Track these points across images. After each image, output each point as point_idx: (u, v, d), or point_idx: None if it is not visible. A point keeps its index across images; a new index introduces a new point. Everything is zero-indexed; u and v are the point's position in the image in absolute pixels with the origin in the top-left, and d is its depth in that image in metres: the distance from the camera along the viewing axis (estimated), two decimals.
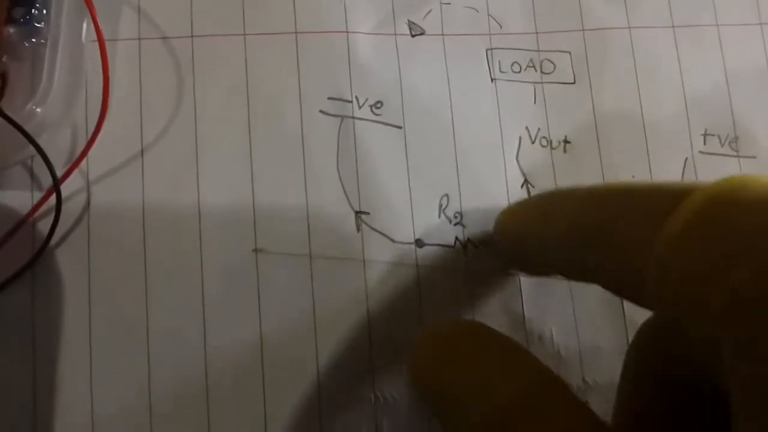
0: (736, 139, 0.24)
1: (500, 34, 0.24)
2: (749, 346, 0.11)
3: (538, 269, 0.20)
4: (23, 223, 0.21)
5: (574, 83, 0.24)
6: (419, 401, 0.16)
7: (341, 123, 0.23)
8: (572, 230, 0.15)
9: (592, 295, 0.22)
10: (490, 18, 0.24)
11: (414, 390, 0.17)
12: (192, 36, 0.23)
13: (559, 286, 0.22)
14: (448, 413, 0.15)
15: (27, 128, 0.19)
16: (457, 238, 0.22)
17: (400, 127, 0.23)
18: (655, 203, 0.13)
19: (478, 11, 0.24)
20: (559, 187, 0.18)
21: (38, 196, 0.21)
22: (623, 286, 0.15)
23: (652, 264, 0.13)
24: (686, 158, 0.24)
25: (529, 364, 0.15)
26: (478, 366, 0.15)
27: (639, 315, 0.22)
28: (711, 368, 0.12)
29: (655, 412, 0.16)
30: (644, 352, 0.17)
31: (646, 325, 0.17)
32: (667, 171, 0.23)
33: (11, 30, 0.21)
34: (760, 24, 0.25)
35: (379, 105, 0.23)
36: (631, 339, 0.21)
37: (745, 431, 0.11)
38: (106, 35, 0.21)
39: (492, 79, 0.24)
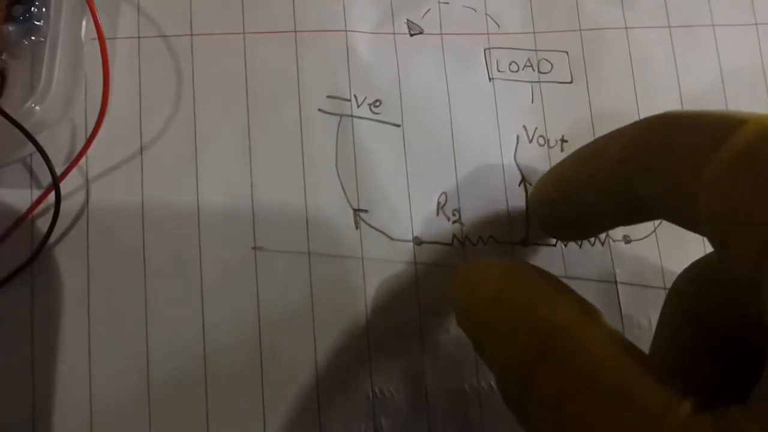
0: None
1: (498, 33, 0.24)
2: None
3: (580, 229, 0.19)
4: (22, 220, 0.21)
5: (571, 83, 0.24)
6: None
7: (340, 121, 0.23)
8: (625, 159, 0.15)
9: (589, 292, 0.22)
10: (488, 17, 0.24)
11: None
12: (191, 34, 0.23)
13: None
14: (488, 351, 0.16)
15: (26, 126, 0.19)
16: (455, 235, 0.22)
17: (398, 126, 0.23)
18: (708, 131, 0.13)
19: (476, 11, 0.24)
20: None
21: (37, 193, 0.21)
22: (676, 214, 0.14)
23: (702, 193, 0.13)
24: None
25: (555, 307, 0.15)
26: (500, 312, 0.15)
27: (636, 311, 0.22)
28: (750, 309, 0.12)
29: (689, 351, 0.16)
30: (687, 293, 0.17)
31: (692, 267, 0.17)
32: None
33: (11, 28, 0.21)
34: (756, 24, 0.25)
35: (377, 103, 0.23)
36: (626, 335, 0.22)
37: None
38: (105, 33, 0.21)
39: (490, 79, 0.24)
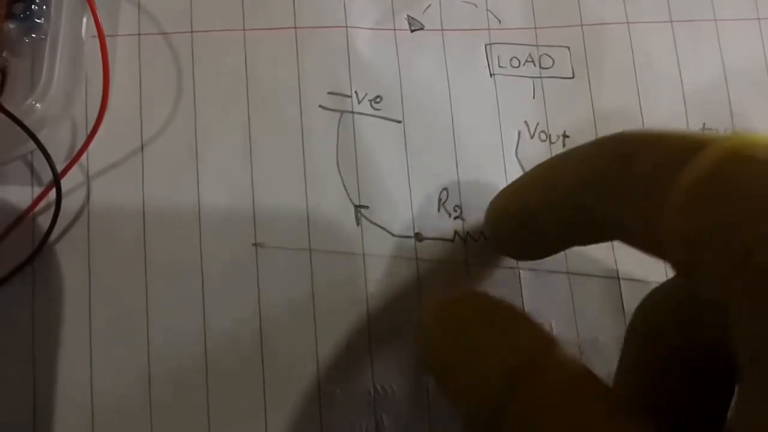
0: (735, 133, 0.24)
1: (499, 29, 0.24)
2: (757, 309, 0.11)
3: (536, 249, 0.19)
4: (23, 218, 0.21)
5: (572, 78, 0.24)
6: (426, 371, 0.16)
7: (341, 117, 0.23)
8: (584, 181, 0.15)
9: (592, 288, 0.22)
10: (489, 13, 0.24)
11: (422, 361, 0.17)
12: (192, 31, 0.23)
13: (559, 280, 0.22)
14: (449, 386, 0.15)
15: (27, 123, 0.19)
16: (456, 231, 0.22)
17: (399, 122, 0.23)
18: (671, 153, 0.13)
19: (477, 6, 0.24)
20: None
21: (38, 191, 0.21)
22: (637, 238, 0.14)
23: (665, 216, 0.12)
24: None
25: (528, 334, 0.15)
26: (474, 340, 0.15)
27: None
28: (718, 332, 0.12)
29: (656, 377, 0.16)
30: (651, 317, 0.17)
31: (656, 291, 0.17)
32: None
33: (11, 25, 0.21)
34: (758, 19, 0.25)
35: (378, 99, 0.23)
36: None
37: (752, 393, 0.11)
38: (105, 31, 0.21)
39: (491, 74, 0.24)
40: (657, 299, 0.17)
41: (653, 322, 0.17)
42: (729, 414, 0.12)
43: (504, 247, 0.20)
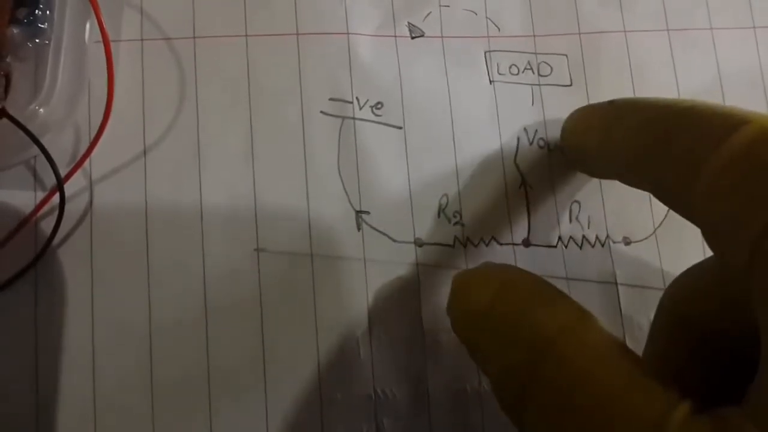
0: None
1: (498, 36, 0.24)
2: None
3: (599, 172, 0.21)
4: (26, 222, 0.21)
5: (570, 85, 0.24)
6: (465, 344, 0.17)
7: (342, 123, 0.23)
8: (633, 143, 0.16)
9: (590, 293, 0.22)
10: (489, 21, 0.25)
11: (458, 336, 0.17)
12: (194, 37, 0.23)
13: (558, 285, 0.22)
14: (478, 358, 0.16)
15: (31, 128, 0.20)
16: (456, 237, 0.22)
17: (400, 128, 0.23)
18: (713, 126, 0.14)
19: (476, 14, 0.24)
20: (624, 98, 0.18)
21: (41, 195, 0.21)
22: (675, 200, 0.15)
23: (700, 186, 0.13)
24: None
25: (551, 309, 0.15)
26: (498, 315, 0.15)
27: (637, 313, 0.22)
28: (745, 312, 0.13)
29: (683, 356, 0.17)
30: (678, 299, 0.17)
31: (683, 275, 0.17)
32: None
33: (15, 31, 0.21)
34: (754, 27, 0.25)
35: (379, 106, 0.23)
36: (627, 337, 0.22)
37: None
38: (109, 36, 0.21)
39: (490, 81, 0.24)
40: (686, 281, 0.17)
41: (682, 303, 0.17)
42: (748, 390, 0.12)
43: (572, 163, 0.23)
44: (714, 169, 0.13)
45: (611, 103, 0.19)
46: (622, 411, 0.13)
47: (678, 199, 0.15)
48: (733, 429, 0.12)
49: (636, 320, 0.22)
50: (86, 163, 0.22)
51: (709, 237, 0.13)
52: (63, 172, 0.21)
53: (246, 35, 0.23)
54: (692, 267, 0.17)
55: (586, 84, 0.24)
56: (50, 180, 0.21)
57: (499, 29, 0.24)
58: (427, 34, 0.24)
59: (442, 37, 0.24)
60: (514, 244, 0.23)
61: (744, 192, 0.12)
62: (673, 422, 0.12)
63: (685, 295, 0.17)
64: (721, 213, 0.13)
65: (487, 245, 0.22)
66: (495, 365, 0.15)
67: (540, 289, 0.16)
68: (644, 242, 0.23)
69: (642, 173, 0.16)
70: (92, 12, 0.21)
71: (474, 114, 0.24)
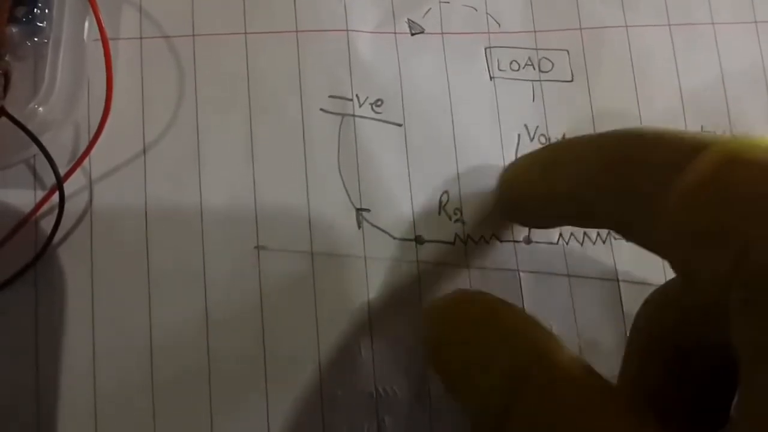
0: (734, 135, 0.24)
1: (499, 32, 0.24)
2: (754, 310, 0.11)
3: (542, 222, 0.20)
4: (26, 221, 0.21)
5: (572, 81, 0.24)
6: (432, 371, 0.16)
7: (342, 121, 0.23)
8: (582, 179, 0.15)
9: (592, 290, 0.22)
10: (489, 16, 0.24)
11: (427, 361, 0.17)
12: (193, 35, 0.23)
13: (559, 282, 0.22)
14: (454, 388, 0.16)
15: (30, 127, 0.19)
16: (457, 234, 0.22)
17: (400, 125, 0.23)
18: (669, 154, 0.13)
19: (476, 10, 0.24)
20: (561, 139, 0.17)
21: (41, 194, 0.21)
22: (634, 234, 0.15)
23: (664, 218, 0.13)
24: None
25: (529, 334, 0.15)
26: (474, 342, 0.15)
27: (637, 308, 0.22)
28: (720, 332, 0.12)
29: (659, 376, 0.16)
30: (654, 317, 0.17)
31: (658, 291, 0.17)
32: None
33: (14, 29, 0.21)
34: (755, 22, 0.25)
35: (379, 103, 0.23)
36: (628, 333, 0.22)
37: (752, 392, 0.11)
38: (107, 34, 0.21)
39: (491, 77, 0.24)
40: (659, 299, 0.17)
41: (656, 322, 0.17)
42: (731, 413, 0.12)
43: (511, 219, 0.21)
44: (678, 197, 0.12)
45: (553, 145, 0.18)
46: None
47: (639, 232, 0.14)
48: None
49: None
50: (86, 161, 0.22)
51: (677, 262, 0.13)
52: (62, 171, 0.21)
53: (245, 33, 0.23)
54: (664, 284, 0.17)
55: (587, 79, 0.24)
56: (50, 179, 0.21)
57: (499, 25, 0.24)
58: (427, 30, 0.24)
59: (442, 33, 0.24)
60: (515, 241, 0.23)
61: (713, 217, 0.12)
62: None
63: (657, 313, 0.17)
64: (689, 241, 0.12)
65: (487, 242, 0.22)
66: (476, 393, 0.15)
67: (513, 314, 0.16)
68: None
69: (593, 204, 0.15)
70: (91, 10, 0.21)
71: (474, 110, 0.23)
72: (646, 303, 0.17)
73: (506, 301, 0.16)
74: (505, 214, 0.21)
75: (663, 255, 0.14)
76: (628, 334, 0.22)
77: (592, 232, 0.23)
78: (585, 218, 0.16)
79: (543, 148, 0.18)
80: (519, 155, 0.23)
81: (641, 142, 0.14)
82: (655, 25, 0.25)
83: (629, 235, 0.15)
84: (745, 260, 0.11)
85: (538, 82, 0.24)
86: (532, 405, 0.14)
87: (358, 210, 0.22)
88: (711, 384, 0.16)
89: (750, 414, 0.11)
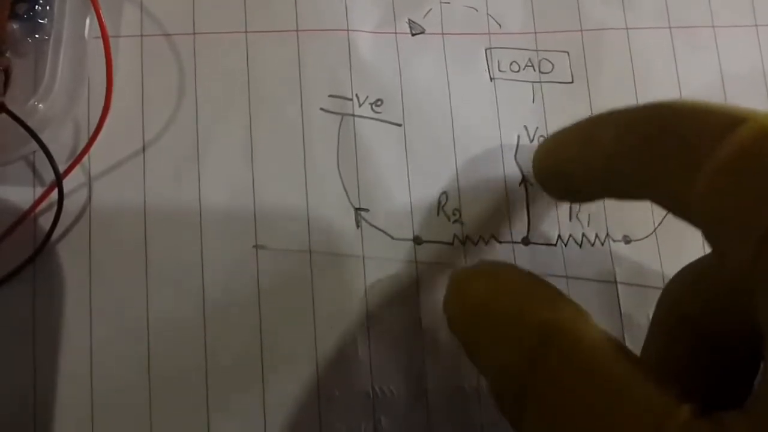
0: None
1: (499, 33, 0.24)
2: None
3: (580, 196, 0.20)
4: (25, 218, 0.21)
5: (572, 83, 0.24)
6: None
7: (341, 120, 0.23)
8: (619, 152, 0.15)
9: (590, 292, 0.22)
10: (490, 17, 0.24)
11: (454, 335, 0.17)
12: (194, 33, 0.23)
13: (557, 284, 0.22)
14: (476, 356, 0.16)
15: (30, 124, 0.20)
16: (455, 235, 0.22)
17: (399, 125, 0.23)
18: (707, 127, 0.13)
19: (477, 10, 0.24)
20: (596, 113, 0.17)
21: (40, 191, 0.21)
22: (670, 206, 0.14)
23: (697, 191, 0.13)
24: None
25: (555, 302, 0.15)
26: (498, 312, 0.15)
27: (636, 312, 0.22)
28: (744, 313, 0.12)
29: (683, 355, 0.16)
30: (678, 297, 0.17)
31: (682, 272, 0.17)
32: None
33: (14, 26, 0.21)
34: (756, 26, 0.25)
35: (379, 103, 0.23)
36: (627, 336, 0.22)
37: None
38: (108, 32, 0.21)
39: (491, 78, 0.24)
40: (686, 278, 0.17)
41: (682, 301, 0.17)
42: (755, 387, 0.12)
43: (549, 193, 0.20)
44: (711, 172, 0.12)
45: (590, 116, 0.18)
46: (623, 411, 0.12)
47: (675, 201, 0.14)
48: None
49: (635, 319, 0.22)
50: (85, 158, 0.22)
51: (710, 238, 0.13)
52: (62, 168, 0.21)
53: (246, 32, 0.23)
54: (692, 263, 0.17)
55: (587, 81, 0.24)
56: (49, 175, 0.21)
57: (500, 26, 0.24)
58: (427, 31, 0.24)
59: (442, 34, 0.24)
60: (513, 242, 0.23)
61: (745, 192, 0.12)
62: (673, 425, 0.12)
63: (684, 292, 0.17)
64: (722, 214, 0.12)
65: (486, 243, 0.22)
66: (493, 364, 0.15)
67: (538, 287, 0.16)
68: (644, 241, 0.23)
69: (631, 178, 0.15)
70: (92, 8, 0.21)
71: (474, 111, 0.23)
72: (673, 281, 0.17)
73: (530, 272, 0.16)
74: (543, 188, 0.20)
75: (694, 223, 0.14)
76: (624, 333, 0.22)
77: (591, 234, 0.23)
78: (623, 193, 0.16)
79: (579, 122, 0.18)
80: (518, 156, 0.23)
81: (680, 114, 0.14)
82: (655, 28, 0.25)
83: (668, 209, 0.15)
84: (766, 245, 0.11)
85: (539, 84, 0.24)
86: (548, 383, 0.13)
87: (357, 210, 0.22)
88: (734, 366, 0.15)
89: None
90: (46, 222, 0.21)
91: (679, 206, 0.14)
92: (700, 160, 0.13)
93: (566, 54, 0.24)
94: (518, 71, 0.24)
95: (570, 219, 0.23)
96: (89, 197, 0.22)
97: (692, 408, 0.12)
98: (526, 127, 0.24)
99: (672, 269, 0.18)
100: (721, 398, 0.16)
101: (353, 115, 0.23)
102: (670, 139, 0.14)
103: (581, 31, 0.25)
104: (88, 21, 0.21)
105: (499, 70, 0.24)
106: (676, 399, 0.12)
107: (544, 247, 0.23)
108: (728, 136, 0.12)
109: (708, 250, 0.15)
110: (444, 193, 0.23)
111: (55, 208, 0.21)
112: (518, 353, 0.14)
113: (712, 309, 0.16)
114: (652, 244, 0.23)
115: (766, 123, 0.12)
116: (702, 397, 0.12)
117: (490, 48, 0.24)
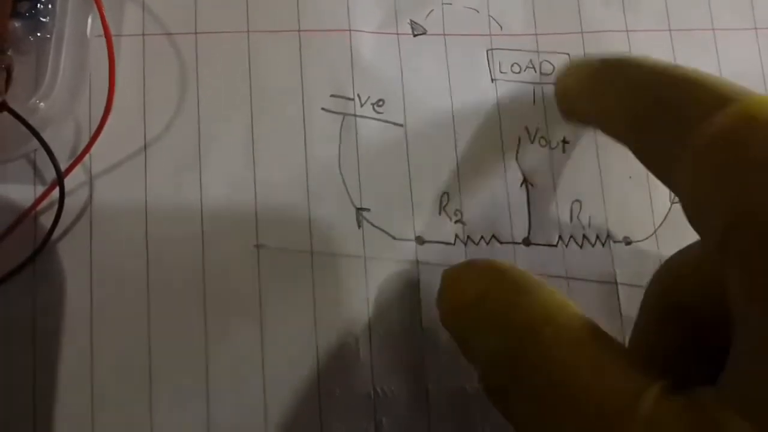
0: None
1: (500, 35, 0.24)
2: (747, 269, 0.11)
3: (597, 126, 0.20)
4: (26, 216, 0.21)
5: None
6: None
7: (343, 120, 0.23)
8: (626, 108, 0.16)
9: (590, 293, 0.22)
10: (491, 19, 0.25)
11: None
12: (196, 32, 0.23)
13: (557, 285, 0.22)
14: (466, 344, 0.16)
15: (31, 122, 0.19)
16: (456, 235, 0.22)
17: (401, 125, 0.23)
18: (700, 101, 0.13)
19: (478, 12, 0.24)
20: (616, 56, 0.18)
21: (41, 189, 0.21)
22: (659, 171, 0.15)
23: (683, 163, 0.13)
24: None
25: (543, 294, 0.15)
26: (484, 306, 0.16)
27: (635, 311, 0.22)
28: (722, 291, 0.13)
29: (670, 340, 0.17)
30: (665, 282, 0.17)
31: (670, 259, 0.17)
32: None
33: (16, 24, 0.21)
34: (755, 29, 0.25)
35: (380, 103, 0.23)
36: (627, 336, 0.22)
37: (739, 352, 0.12)
38: (110, 31, 0.21)
39: (492, 79, 0.24)
40: (674, 264, 0.17)
41: (668, 286, 0.17)
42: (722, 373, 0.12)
43: (566, 121, 0.21)
44: (695, 148, 0.13)
45: (603, 62, 0.18)
46: (597, 393, 0.13)
47: (662, 170, 0.15)
48: (705, 409, 0.12)
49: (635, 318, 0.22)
50: (86, 157, 0.22)
51: (687, 213, 0.14)
52: (63, 167, 0.21)
53: (248, 31, 0.23)
54: (682, 249, 0.18)
55: None
56: (50, 174, 0.21)
57: (501, 27, 0.24)
58: (429, 31, 0.24)
59: (444, 34, 0.24)
60: (514, 242, 0.23)
61: (721, 175, 0.12)
62: (644, 402, 0.12)
63: (671, 276, 0.17)
64: (700, 192, 0.13)
65: (487, 244, 0.22)
66: (482, 354, 0.15)
67: (525, 281, 0.16)
68: (645, 242, 0.23)
69: (631, 139, 0.16)
70: (94, 6, 0.21)
71: (475, 112, 0.24)
72: (661, 268, 0.18)
73: (518, 268, 0.17)
74: (563, 116, 0.21)
75: (677, 195, 0.14)
76: (624, 333, 0.22)
77: (591, 235, 0.23)
78: (628, 140, 0.17)
79: (597, 61, 0.18)
80: (519, 157, 0.23)
81: (674, 85, 0.15)
82: (655, 30, 0.25)
83: (653, 168, 0.15)
84: (739, 222, 0.11)
85: (539, 85, 0.24)
86: (534, 365, 0.14)
87: (358, 209, 0.22)
88: (719, 348, 0.16)
89: (737, 373, 0.12)
90: (46, 221, 0.21)
91: (665, 176, 0.14)
92: (684, 137, 0.13)
93: (567, 56, 0.24)
94: (519, 72, 0.24)
95: (571, 220, 0.23)
96: (90, 196, 0.22)
97: (664, 384, 0.12)
98: (527, 128, 0.24)
99: None
100: (710, 381, 0.16)
101: (355, 115, 0.23)
102: (663, 110, 0.14)
103: (582, 33, 0.25)
104: (90, 20, 0.21)
105: (501, 72, 0.24)
106: (649, 378, 0.13)
107: (544, 247, 0.23)
108: (714, 114, 0.12)
109: None
110: (445, 193, 0.23)
111: (55, 207, 0.21)
112: (507, 343, 0.15)
113: (695, 291, 0.16)
114: (653, 245, 0.23)
115: (751, 106, 0.12)
116: (689, 379, 0.13)
117: (492, 49, 0.24)
